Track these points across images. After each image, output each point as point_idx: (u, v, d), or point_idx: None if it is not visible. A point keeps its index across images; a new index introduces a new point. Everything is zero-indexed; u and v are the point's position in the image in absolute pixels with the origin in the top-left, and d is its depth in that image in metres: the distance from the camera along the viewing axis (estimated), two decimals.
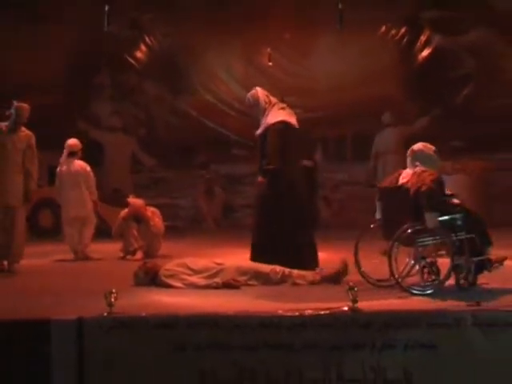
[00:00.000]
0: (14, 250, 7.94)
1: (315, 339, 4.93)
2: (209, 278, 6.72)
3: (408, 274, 6.24)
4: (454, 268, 6.08)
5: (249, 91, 7.68)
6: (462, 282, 6.14)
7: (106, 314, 5.03)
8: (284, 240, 7.15)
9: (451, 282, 6.16)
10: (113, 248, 9.40)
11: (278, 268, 6.87)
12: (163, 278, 6.78)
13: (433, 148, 6.60)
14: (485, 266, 6.20)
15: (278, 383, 4.91)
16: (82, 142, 9.55)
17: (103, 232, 10.14)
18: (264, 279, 6.78)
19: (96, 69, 13.44)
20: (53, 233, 11.35)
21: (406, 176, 6.45)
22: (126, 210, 9.29)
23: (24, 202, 8.04)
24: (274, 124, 7.32)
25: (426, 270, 6.21)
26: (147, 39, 13.62)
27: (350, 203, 13.13)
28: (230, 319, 5.03)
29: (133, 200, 9.36)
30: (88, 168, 9.34)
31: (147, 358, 4.95)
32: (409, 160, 6.56)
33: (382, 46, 13.04)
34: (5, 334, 5.05)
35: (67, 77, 13.12)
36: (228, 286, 6.62)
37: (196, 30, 13.00)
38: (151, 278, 6.86)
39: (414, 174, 6.35)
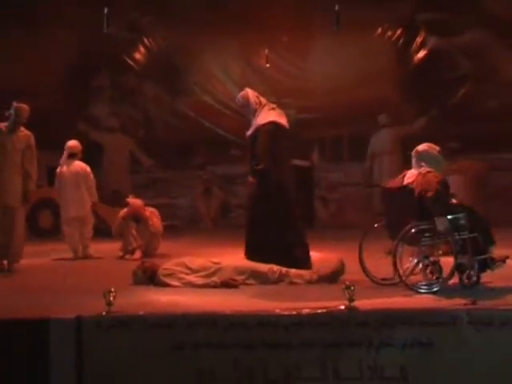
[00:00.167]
0: (14, 249, 7.93)
1: (312, 338, 4.93)
2: (207, 277, 6.71)
3: (412, 273, 6.25)
4: (458, 267, 6.10)
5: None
6: (465, 280, 6.15)
7: (104, 313, 5.02)
8: (274, 240, 7.16)
9: (455, 280, 6.18)
10: (112, 247, 9.39)
11: (276, 267, 6.87)
12: (161, 277, 6.77)
13: (437, 148, 6.62)
14: (488, 264, 6.22)
15: (275, 382, 4.91)
16: (81, 143, 9.57)
17: (103, 232, 10.14)
18: (261, 278, 6.77)
19: (95, 70, 13.43)
20: (52, 233, 11.35)
21: (411, 176, 6.48)
22: (125, 210, 9.29)
23: (23, 203, 8.02)
24: (264, 125, 7.34)
25: (429, 269, 6.22)
26: (146, 41, 13.60)
27: (347, 203, 13.13)
28: (227, 318, 5.02)
29: (132, 200, 9.37)
30: (88, 169, 9.36)
31: (145, 357, 4.94)
32: (414, 160, 6.58)
33: (378, 48, 13.04)
34: (4, 332, 5.04)
35: (67, 78, 13.10)
36: (226, 285, 6.61)
37: (194, 31, 12.99)
38: (150, 277, 6.85)
39: (419, 174, 6.37)
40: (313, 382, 4.90)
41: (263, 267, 6.86)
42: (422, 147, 6.59)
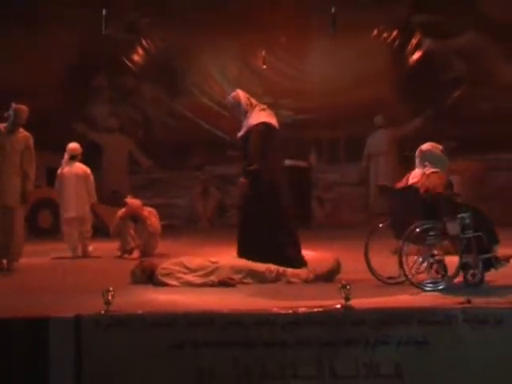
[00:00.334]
0: (13, 249, 7.93)
1: (309, 336, 4.93)
2: (204, 277, 6.71)
3: (417, 272, 6.27)
4: (462, 265, 6.13)
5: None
6: (469, 279, 6.17)
7: (103, 312, 5.01)
8: (266, 239, 7.17)
9: (459, 278, 6.20)
10: (110, 247, 9.39)
11: (273, 267, 6.88)
12: (160, 277, 6.77)
13: (440, 147, 6.64)
14: (492, 263, 6.24)
15: (272, 379, 4.91)
16: (80, 144, 9.64)
17: (101, 231, 10.15)
18: (259, 277, 6.77)
19: (95, 70, 13.42)
20: (51, 232, 11.37)
21: (415, 176, 6.50)
22: (124, 210, 9.29)
23: (21, 203, 8.03)
24: (256, 125, 7.36)
25: (434, 267, 6.25)
26: (144, 42, 13.60)
27: (342, 203, 13.14)
28: (225, 317, 5.02)
29: (130, 200, 9.37)
30: (88, 171, 9.48)
31: (144, 356, 4.94)
32: (417, 160, 6.60)
33: (374, 50, 13.05)
34: (4, 331, 5.03)
35: (66, 78, 13.10)
36: (223, 284, 6.61)
37: (192, 33, 12.99)
38: (148, 277, 6.85)
39: (424, 174, 6.40)
40: (309, 380, 4.90)
41: (260, 266, 6.86)
42: (425, 147, 6.62)
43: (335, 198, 13.18)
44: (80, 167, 9.45)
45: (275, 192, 7.37)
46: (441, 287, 6.06)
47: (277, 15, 12.83)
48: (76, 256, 9.22)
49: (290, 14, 12.95)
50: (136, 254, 9.07)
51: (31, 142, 8.08)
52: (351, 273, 6.67)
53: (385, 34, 13.23)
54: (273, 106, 13.02)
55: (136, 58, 13.60)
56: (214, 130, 13.34)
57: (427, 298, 5.80)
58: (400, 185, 6.72)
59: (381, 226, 6.71)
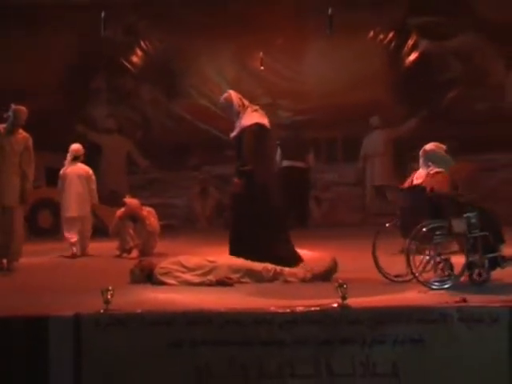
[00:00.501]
0: (13, 248, 7.92)
1: (306, 335, 4.93)
2: (202, 276, 6.71)
3: (424, 270, 6.29)
4: (469, 264, 6.16)
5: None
6: (475, 277, 6.20)
7: (102, 311, 5.01)
8: (258, 239, 7.19)
9: (465, 277, 6.24)
10: (109, 246, 9.39)
11: (270, 266, 6.89)
12: (158, 276, 6.77)
13: (444, 147, 6.66)
14: (498, 262, 6.27)
15: (270, 378, 4.91)
16: (83, 146, 9.71)
17: (100, 231, 10.14)
18: (256, 277, 6.77)
19: (94, 71, 13.40)
20: (51, 232, 11.36)
21: (419, 177, 6.53)
22: (123, 210, 9.29)
23: (20, 203, 8.03)
24: (249, 126, 7.38)
25: (440, 266, 6.26)
26: (143, 44, 13.59)
27: (340, 203, 13.14)
28: (223, 316, 5.02)
29: (129, 200, 9.36)
30: (90, 172, 9.57)
31: (143, 354, 4.94)
32: (421, 160, 6.63)
33: (371, 51, 13.04)
34: (4, 330, 5.03)
35: (66, 79, 13.08)
36: (221, 283, 6.61)
37: (190, 35, 12.98)
38: (147, 276, 6.85)
39: (428, 175, 6.42)
40: (307, 378, 4.91)
41: (258, 266, 6.86)
42: (429, 147, 6.65)
43: (332, 198, 13.18)
44: (83, 168, 9.53)
45: (268, 192, 7.40)
46: (447, 286, 6.10)
47: (274, 17, 12.83)
48: (75, 255, 9.22)
49: (288, 15, 12.94)
50: (135, 253, 9.06)
51: (30, 142, 8.08)
52: (348, 272, 6.68)
53: (381, 36, 13.23)
54: (271, 107, 13.17)
55: (135, 59, 13.58)
56: (212, 131, 13.33)
57: (423, 297, 5.82)
58: (405, 185, 6.77)
59: (387, 225, 6.76)
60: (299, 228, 12.06)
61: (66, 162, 9.55)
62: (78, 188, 9.38)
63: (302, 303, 5.26)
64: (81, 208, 9.38)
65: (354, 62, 12.84)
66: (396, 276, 6.50)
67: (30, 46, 12.76)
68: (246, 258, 7.00)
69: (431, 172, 6.43)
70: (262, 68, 12.85)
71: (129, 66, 13.53)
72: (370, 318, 4.94)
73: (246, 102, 7.61)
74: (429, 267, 6.32)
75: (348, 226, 12.17)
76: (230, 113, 7.58)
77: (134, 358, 4.94)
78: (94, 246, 9.57)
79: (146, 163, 13.50)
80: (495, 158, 12.71)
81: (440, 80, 13.10)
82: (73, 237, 9.29)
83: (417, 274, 6.17)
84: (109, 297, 5.02)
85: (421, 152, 6.66)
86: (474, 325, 4.93)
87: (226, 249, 7.66)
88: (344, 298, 5.03)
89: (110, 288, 5.04)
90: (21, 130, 8.08)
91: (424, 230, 6.16)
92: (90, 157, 10.03)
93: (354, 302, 5.11)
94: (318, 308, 5.05)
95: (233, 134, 7.55)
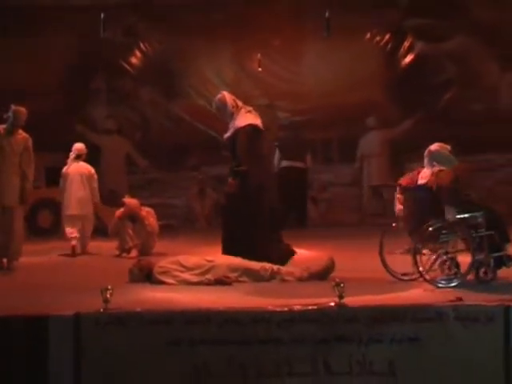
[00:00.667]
0: (13, 248, 7.91)
1: (304, 334, 4.93)
2: (201, 275, 6.70)
3: (430, 268, 6.31)
4: (475, 263, 6.18)
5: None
6: (481, 276, 6.22)
7: (102, 310, 5.01)
8: (249, 239, 7.21)
9: (471, 276, 6.26)
10: (109, 246, 9.37)
11: (268, 265, 6.89)
12: (157, 275, 6.76)
13: (448, 147, 6.72)
14: (503, 261, 6.30)
15: (268, 376, 4.91)
16: (86, 145, 9.77)
17: (100, 231, 10.13)
18: (254, 276, 6.77)
19: (94, 72, 13.39)
20: (51, 232, 11.36)
21: (424, 176, 6.56)
22: (122, 210, 9.27)
23: (20, 203, 8.02)
24: (243, 127, 7.38)
25: (447, 265, 6.29)
26: (142, 45, 13.58)
27: (337, 203, 13.14)
28: (221, 315, 5.02)
29: (128, 200, 9.36)
30: (92, 171, 9.61)
31: (142, 353, 4.94)
32: (426, 160, 6.68)
33: (368, 53, 13.05)
34: (4, 329, 5.02)
35: (66, 80, 13.06)
36: (219, 282, 6.61)
37: (189, 36, 12.97)
38: (146, 275, 6.84)
39: (433, 174, 6.46)
40: (304, 376, 4.90)
41: (256, 265, 6.86)
42: (434, 147, 6.70)
43: (329, 199, 13.18)
44: (85, 167, 9.57)
45: (262, 193, 7.43)
46: (453, 284, 6.12)
47: (272, 18, 12.83)
48: (75, 253, 9.24)
49: (286, 17, 12.94)
50: (134, 252, 9.05)
51: (30, 143, 8.07)
52: (345, 271, 6.67)
53: (378, 38, 13.23)
54: (269, 108, 13.18)
55: (134, 60, 13.56)
56: (210, 131, 13.32)
57: (419, 296, 5.82)
58: (404, 181, 6.80)
59: (394, 225, 6.81)
60: (298, 228, 12.09)
61: (69, 161, 9.58)
62: (80, 187, 9.42)
63: (299, 302, 5.26)
64: (82, 207, 9.41)
65: (351, 64, 12.84)
66: (403, 274, 6.53)
67: (30, 46, 12.74)
68: (239, 257, 7.00)
69: (435, 171, 6.48)
70: (260, 69, 12.86)
71: (128, 67, 13.52)
72: (366, 317, 4.94)
73: (240, 103, 7.62)
74: (435, 266, 6.34)
75: (345, 226, 12.18)
76: (224, 114, 7.59)
77: (133, 357, 4.93)
78: (94, 246, 9.56)
79: (145, 163, 13.49)
80: (490, 159, 12.72)
81: (435, 81, 13.11)
82: (73, 232, 9.33)
83: (423, 273, 6.19)
84: (108, 296, 5.01)
85: (426, 152, 6.70)
86: (470, 323, 4.93)
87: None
88: (341, 296, 5.03)
89: (110, 287, 5.03)
90: (20, 131, 8.07)
91: (430, 229, 6.19)
92: (90, 157, 10.02)
93: (350, 300, 5.11)
94: (315, 307, 5.05)
95: (227, 135, 7.56)
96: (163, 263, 6.90)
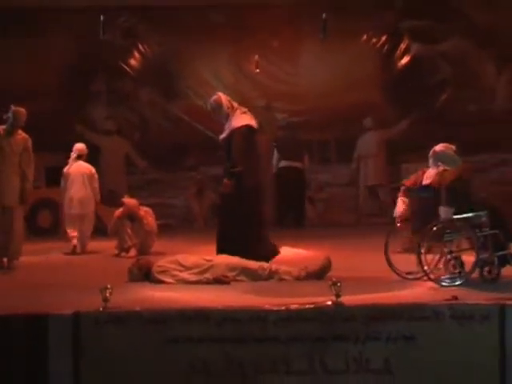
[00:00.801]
0: (13, 248, 7.91)
1: (301, 332, 4.93)
2: (199, 274, 6.70)
3: (435, 267, 6.33)
4: (479, 262, 6.19)
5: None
6: (485, 275, 6.23)
7: (101, 309, 5.01)
8: (243, 239, 7.24)
9: (475, 274, 6.26)
10: (108, 245, 9.37)
11: (266, 264, 6.90)
12: (156, 274, 6.76)
13: (453, 148, 6.73)
14: (508, 260, 6.30)
15: (265, 374, 4.91)
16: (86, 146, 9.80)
17: (99, 230, 10.13)
18: (252, 275, 6.77)
19: (93, 74, 13.38)
20: (51, 231, 11.38)
21: (429, 176, 6.57)
22: (121, 210, 9.27)
23: (20, 203, 8.01)
24: (239, 128, 7.38)
25: (451, 263, 6.30)
26: (141, 47, 13.57)
27: (333, 203, 13.15)
28: (220, 313, 5.01)
29: (127, 200, 9.35)
30: (93, 170, 9.66)
31: (141, 351, 4.94)
32: (431, 161, 6.69)
33: (364, 54, 13.06)
34: (4, 328, 5.01)
35: (65, 83, 13.06)
36: (218, 281, 6.61)
37: (187, 38, 12.97)
38: (144, 274, 6.84)
39: (437, 173, 6.47)
40: (301, 374, 4.91)
41: (254, 264, 6.87)
42: (439, 148, 6.72)
43: (326, 199, 13.19)
44: (86, 166, 9.62)
45: (258, 193, 7.43)
46: (457, 283, 6.13)
47: (270, 20, 12.84)
48: (74, 251, 9.27)
49: (283, 19, 12.94)
50: (133, 252, 9.05)
51: (30, 143, 8.06)
52: (342, 270, 6.68)
53: (374, 40, 13.25)
54: (267, 109, 13.18)
55: (133, 62, 13.56)
56: (208, 132, 13.32)
57: (416, 295, 5.82)
58: (409, 182, 6.82)
59: (399, 225, 6.81)
60: (295, 228, 12.10)
61: (70, 161, 9.62)
62: (81, 186, 9.47)
63: (296, 301, 5.26)
64: (83, 206, 9.46)
65: (348, 65, 12.85)
66: (408, 273, 6.55)
67: (30, 47, 12.74)
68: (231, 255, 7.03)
69: (440, 171, 6.50)
70: (258, 71, 12.86)
71: (127, 68, 13.51)
72: (363, 316, 4.94)
73: (235, 104, 7.62)
74: (440, 265, 6.36)
75: (342, 226, 12.19)
76: (219, 114, 7.59)
77: (132, 355, 4.94)
78: (93, 245, 9.57)
79: (144, 164, 13.48)
80: (485, 159, 12.73)
81: (431, 83, 13.13)
82: (74, 231, 9.38)
83: (428, 272, 6.21)
84: (107, 295, 5.01)
85: (430, 153, 6.72)
86: (466, 322, 4.94)
87: None
88: (338, 295, 5.03)
89: (109, 286, 5.03)
90: (20, 131, 8.06)
91: (434, 228, 6.21)
92: (89, 157, 10.03)
93: (347, 299, 5.11)
94: (312, 306, 5.05)
95: (222, 136, 7.56)
96: (162, 262, 6.90)
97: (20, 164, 7.97)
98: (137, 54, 13.55)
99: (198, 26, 12.99)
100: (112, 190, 12.32)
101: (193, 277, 6.68)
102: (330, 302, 5.05)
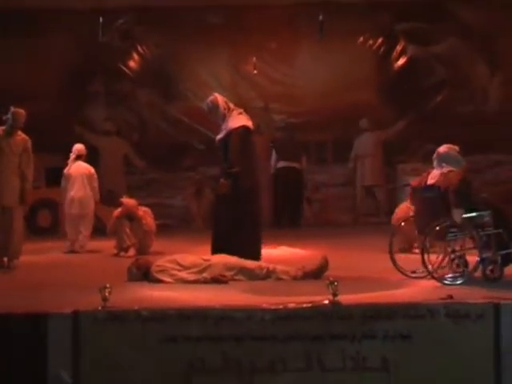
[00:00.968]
0: (13, 247, 7.90)
1: (298, 331, 4.93)
2: (197, 274, 6.70)
3: (439, 266, 6.35)
4: (482, 261, 6.21)
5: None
6: (488, 274, 6.24)
7: (100, 308, 5.00)
8: (238, 239, 7.25)
9: (478, 273, 6.29)
10: (107, 245, 9.37)
11: (263, 264, 6.91)
12: (154, 274, 6.75)
13: (457, 149, 6.75)
14: (511, 259, 6.31)
15: (263, 373, 4.91)
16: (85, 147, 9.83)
17: (98, 230, 10.13)
18: (250, 275, 6.77)
19: (92, 76, 13.37)
20: (51, 231, 11.37)
21: (433, 177, 6.60)
22: (120, 210, 9.27)
23: (20, 203, 8.01)
24: (235, 128, 7.38)
25: (455, 262, 6.32)
26: (140, 49, 13.56)
27: (330, 203, 13.16)
28: (217, 312, 5.01)
29: (126, 200, 9.35)
30: (93, 170, 9.68)
31: (139, 350, 4.93)
32: (435, 162, 6.72)
33: (361, 56, 13.07)
34: (4, 327, 5.01)
35: (64, 84, 13.05)
36: (216, 280, 6.61)
37: (186, 39, 12.97)
38: (143, 274, 6.84)
39: (442, 174, 6.49)
40: (298, 372, 4.91)
41: (251, 264, 6.87)
42: (442, 149, 6.74)
43: (323, 199, 13.20)
44: (86, 167, 9.65)
45: (254, 194, 7.43)
46: (459, 282, 6.15)
47: (268, 22, 12.84)
48: (74, 250, 9.28)
49: (281, 21, 12.95)
50: (132, 252, 9.05)
51: (29, 144, 8.06)
52: (339, 270, 6.69)
53: (370, 42, 13.26)
54: (265, 110, 13.17)
55: (132, 63, 13.55)
56: (206, 132, 13.32)
57: (411, 294, 5.83)
58: (414, 182, 6.85)
59: (403, 224, 6.85)
60: (292, 227, 12.11)
61: (70, 162, 9.64)
62: (81, 187, 9.49)
63: (293, 300, 5.27)
64: (83, 206, 9.49)
65: (345, 67, 12.87)
66: (412, 272, 6.57)
67: (30, 48, 12.73)
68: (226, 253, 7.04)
69: (445, 171, 6.51)
70: (256, 72, 12.87)
71: (126, 70, 13.51)
72: (360, 315, 4.94)
73: (232, 105, 7.63)
74: (444, 264, 6.37)
75: (339, 226, 12.20)
76: (216, 115, 7.59)
77: (130, 353, 4.93)
78: (93, 245, 9.57)
79: (142, 164, 13.48)
80: (479, 160, 12.74)
81: (427, 84, 13.15)
82: (73, 232, 9.41)
83: (432, 271, 6.22)
84: (107, 294, 5.01)
85: (434, 154, 6.75)
86: (460, 320, 4.94)
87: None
88: (335, 294, 5.03)
89: (108, 285, 5.03)
90: (20, 132, 8.06)
91: (437, 228, 6.22)
92: (89, 158, 10.03)
93: (344, 298, 5.11)
94: (309, 305, 5.05)
95: (219, 137, 7.56)
96: (161, 262, 6.90)
97: (20, 165, 7.96)
98: (135, 56, 13.54)
99: (196, 27, 12.99)
100: (111, 190, 12.31)
101: (191, 276, 6.68)
102: (327, 301, 5.04)
